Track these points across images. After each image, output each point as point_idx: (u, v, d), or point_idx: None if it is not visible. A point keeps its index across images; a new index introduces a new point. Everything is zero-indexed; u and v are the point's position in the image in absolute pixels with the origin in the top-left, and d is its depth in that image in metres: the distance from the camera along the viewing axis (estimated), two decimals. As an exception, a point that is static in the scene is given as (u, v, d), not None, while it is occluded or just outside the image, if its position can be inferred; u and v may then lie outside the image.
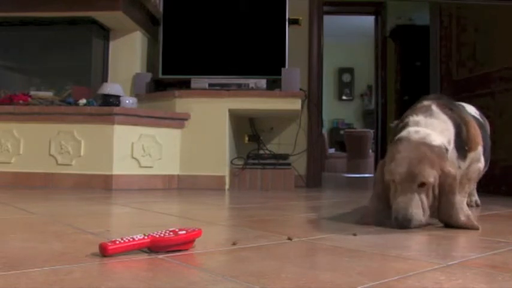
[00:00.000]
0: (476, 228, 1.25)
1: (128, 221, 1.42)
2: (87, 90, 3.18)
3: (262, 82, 3.13)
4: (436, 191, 1.27)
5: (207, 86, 3.13)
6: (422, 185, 1.25)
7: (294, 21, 3.51)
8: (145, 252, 0.87)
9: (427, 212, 1.27)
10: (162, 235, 0.88)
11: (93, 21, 3.20)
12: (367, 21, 6.03)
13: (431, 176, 1.24)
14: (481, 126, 1.72)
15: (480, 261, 0.85)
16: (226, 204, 2.05)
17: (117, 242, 0.84)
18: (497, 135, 2.97)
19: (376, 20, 5.58)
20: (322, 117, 3.85)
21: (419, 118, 1.42)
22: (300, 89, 3.13)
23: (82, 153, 2.74)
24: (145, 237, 0.87)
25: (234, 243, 0.98)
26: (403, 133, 1.37)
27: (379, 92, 5.42)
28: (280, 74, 3.10)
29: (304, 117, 3.54)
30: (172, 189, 2.90)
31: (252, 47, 3.31)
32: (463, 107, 1.73)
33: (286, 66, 3.19)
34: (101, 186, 2.69)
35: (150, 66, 3.59)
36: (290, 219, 1.49)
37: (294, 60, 3.40)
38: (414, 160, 1.26)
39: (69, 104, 2.90)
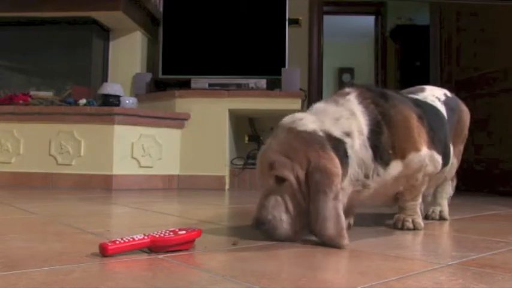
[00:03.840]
0: (340, 247, 0.93)
1: (128, 221, 1.42)
2: (87, 90, 3.18)
3: (262, 82, 3.13)
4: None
5: (207, 86, 3.13)
6: (281, 180, 0.97)
7: (294, 21, 3.52)
8: (145, 252, 0.87)
9: (298, 218, 0.97)
10: (162, 235, 0.88)
11: (93, 21, 3.21)
12: (367, 21, 6.02)
13: (286, 168, 0.96)
14: (436, 115, 1.30)
15: (480, 261, 0.85)
16: (226, 204, 2.05)
17: (117, 242, 0.84)
18: (497, 135, 2.97)
19: (376, 20, 5.58)
20: (322, 117, 3.85)
21: (319, 104, 1.12)
22: (300, 89, 3.13)
23: (82, 153, 2.74)
24: (145, 237, 0.87)
25: (234, 243, 0.98)
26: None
27: (379, 92, 5.41)
28: (280, 74, 3.10)
29: (304, 117, 3.53)
30: (172, 189, 2.90)
31: (252, 47, 3.31)
32: (402, 96, 1.24)
33: (286, 66, 3.19)
34: (101, 186, 2.69)
35: (150, 66, 3.59)
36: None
37: (294, 60, 3.40)
38: (270, 149, 1.01)
39: (69, 104, 2.90)
